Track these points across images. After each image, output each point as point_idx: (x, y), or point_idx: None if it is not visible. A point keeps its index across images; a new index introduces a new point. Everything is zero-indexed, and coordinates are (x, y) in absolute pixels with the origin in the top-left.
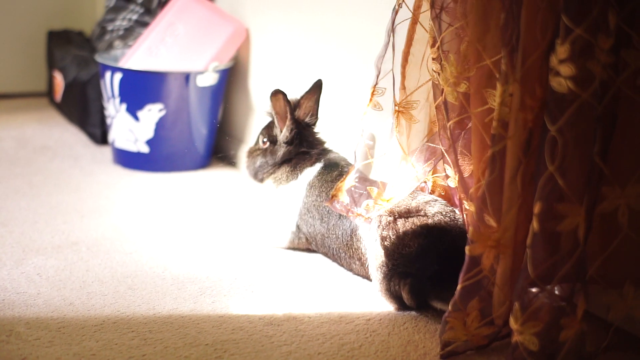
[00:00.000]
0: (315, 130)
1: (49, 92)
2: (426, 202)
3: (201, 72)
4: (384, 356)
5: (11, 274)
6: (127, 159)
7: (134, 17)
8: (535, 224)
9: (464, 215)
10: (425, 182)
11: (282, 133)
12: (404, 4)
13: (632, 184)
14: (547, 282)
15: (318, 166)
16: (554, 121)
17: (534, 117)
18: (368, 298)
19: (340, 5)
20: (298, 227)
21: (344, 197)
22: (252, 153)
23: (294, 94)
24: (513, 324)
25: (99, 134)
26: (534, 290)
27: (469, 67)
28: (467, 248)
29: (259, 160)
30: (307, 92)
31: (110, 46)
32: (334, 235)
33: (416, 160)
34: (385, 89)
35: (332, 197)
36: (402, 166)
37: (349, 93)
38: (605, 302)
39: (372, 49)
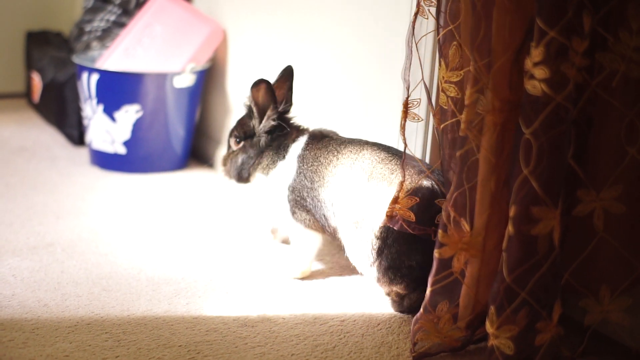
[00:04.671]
0: (291, 115)
1: (27, 93)
2: None
3: (178, 73)
4: (357, 357)
5: None
6: (104, 160)
7: (112, 18)
8: (510, 228)
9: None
10: None
11: (262, 123)
12: (428, 15)
13: (607, 187)
14: (522, 286)
15: (303, 139)
16: (529, 124)
17: (503, 120)
18: (343, 299)
19: (317, 6)
20: (298, 205)
21: (405, 214)
22: (228, 157)
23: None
24: (489, 327)
25: (77, 135)
26: (509, 294)
27: (457, 71)
28: (436, 251)
29: (241, 158)
30: (278, 80)
31: (87, 47)
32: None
33: None
34: (419, 99)
35: (388, 216)
36: None
37: (325, 92)
38: (582, 305)
39: (348, 48)
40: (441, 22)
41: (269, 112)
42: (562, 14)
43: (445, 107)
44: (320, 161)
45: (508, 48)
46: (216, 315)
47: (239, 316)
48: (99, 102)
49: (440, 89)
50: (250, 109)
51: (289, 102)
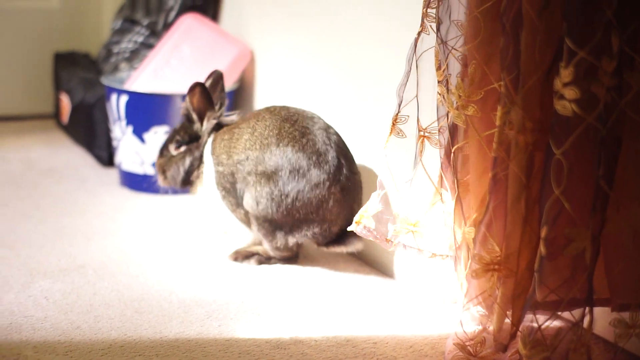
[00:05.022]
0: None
1: (56, 114)
2: None
3: None
4: None
5: (18, 298)
6: (134, 181)
7: (140, 39)
8: (542, 248)
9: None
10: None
11: (205, 125)
12: (429, 30)
13: (636, 206)
14: (555, 306)
15: (211, 137)
16: (559, 145)
17: (534, 140)
18: (374, 321)
19: (346, 27)
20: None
21: (369, 222)
22: (168, 162)
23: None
24: (522, 349)
25: (106, 156)
26: (542, 314)
27: (477, 90)
28: (468, 272)
29: (188, 160)
30: (209, 86)
31: (116, 68)
32: None
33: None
34: (408, 116)
35: (356, 222)
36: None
37: (353, 115)
38: (612, 325)
39: (376, 70)
40: (452, 42)
41: (208, 114)
42: (591, 34)
43: (464, 126)
44: (223, 143)
45: (538, 68)
46: (249, 337)
47: (271, 338)
48: (128, 123)
49: (455, 107)
50: (187, 116)
51: (222, 103)
